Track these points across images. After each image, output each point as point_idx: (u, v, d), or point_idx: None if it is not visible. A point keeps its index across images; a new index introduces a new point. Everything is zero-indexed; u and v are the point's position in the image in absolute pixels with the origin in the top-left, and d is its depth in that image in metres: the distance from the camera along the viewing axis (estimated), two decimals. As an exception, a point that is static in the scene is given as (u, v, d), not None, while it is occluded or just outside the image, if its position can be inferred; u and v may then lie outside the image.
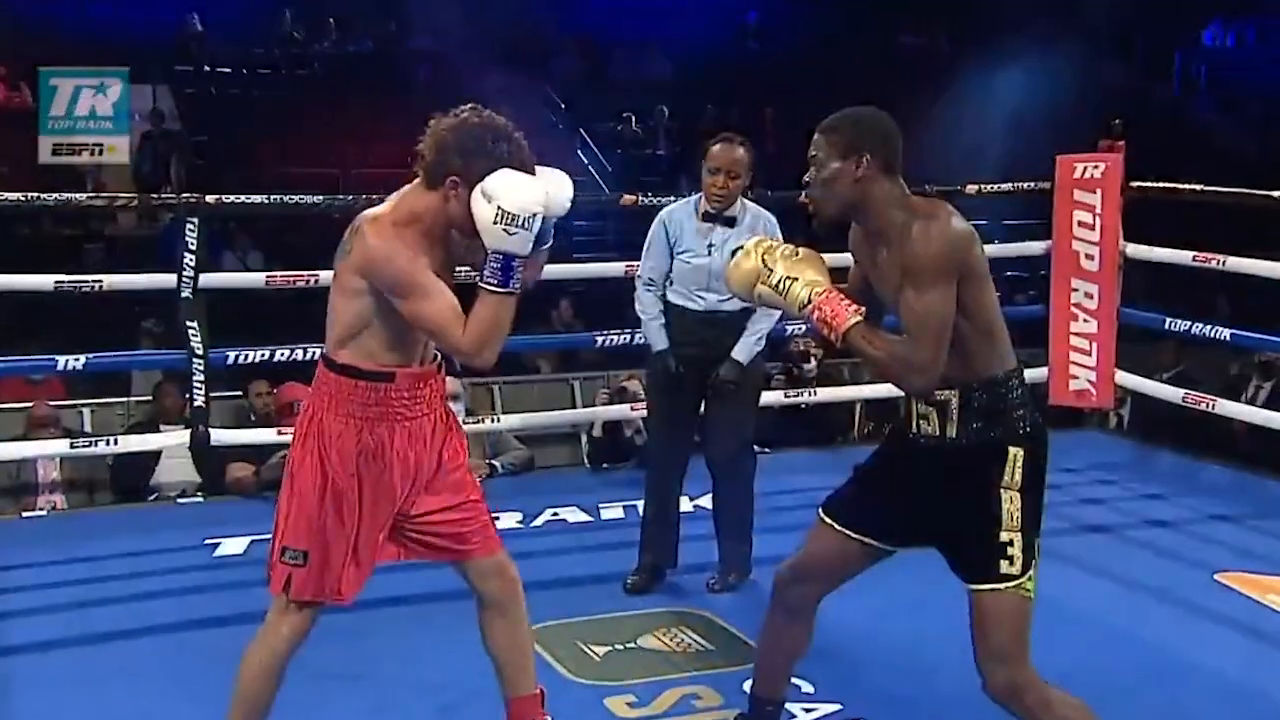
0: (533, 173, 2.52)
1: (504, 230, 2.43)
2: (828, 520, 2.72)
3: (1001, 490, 2.52)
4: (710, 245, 3.96)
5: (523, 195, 2.44)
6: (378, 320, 2.56)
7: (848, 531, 2.69)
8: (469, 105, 2.59)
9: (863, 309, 2.50)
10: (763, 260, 2.56)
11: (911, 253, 2.45)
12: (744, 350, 4.01)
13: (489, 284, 2.48)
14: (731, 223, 3.97)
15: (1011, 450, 2.54)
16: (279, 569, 2.66)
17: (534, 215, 2.45)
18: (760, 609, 3.74)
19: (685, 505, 4.48)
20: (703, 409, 4.08)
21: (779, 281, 2.53)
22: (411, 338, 2.60)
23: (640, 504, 4.23)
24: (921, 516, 2.61)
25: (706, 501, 4.50)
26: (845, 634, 3.68)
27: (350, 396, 2.59)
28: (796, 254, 2.57)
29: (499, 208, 2.42)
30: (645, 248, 4.12)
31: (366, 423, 2.59)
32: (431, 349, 2.67)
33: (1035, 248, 6.04)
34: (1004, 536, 2.51)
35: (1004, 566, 2.51)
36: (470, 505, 2.74)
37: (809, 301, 2.50)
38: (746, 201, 4.05)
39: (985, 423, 2.54)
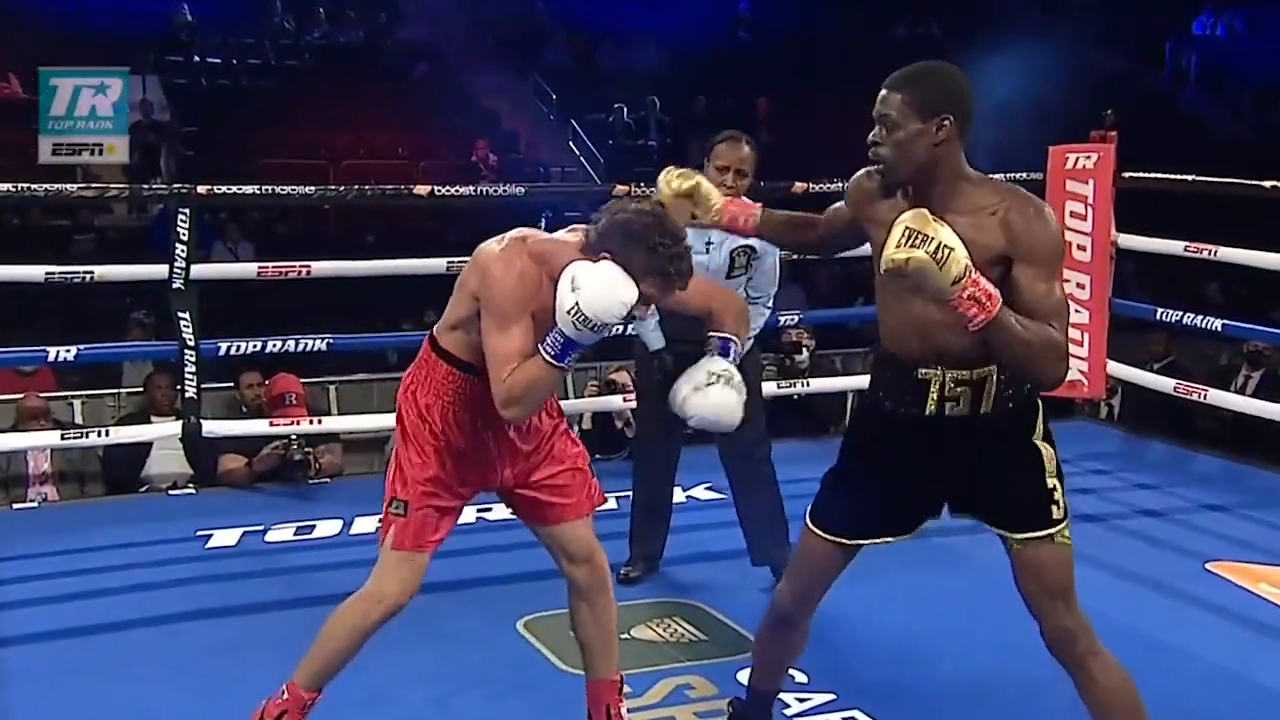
0: (684, 286, 2.55)
1: (574, 323, 2.43)
2: (823, 535, 2.63)
3: (1037, 442, 2.55)
4: (709, 243, 3.93)
5: (605, 303, 2.41)
6: (478, 324, 2.61)
7: (846, 541, 2.63)
8: (655, 202, 2.63)
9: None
10: (917, 226, 2.26)
11: (1035, 238, 2.38)
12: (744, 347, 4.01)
13: (543, 349, 2.50)
14: None
15: (1039, 404, 2.57)
16: (385, 519, 2.75)
17: (606, 325, 2.46)
18: (752, 598, 3.76)
19: (679, 496, 4.50)
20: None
21: (938, 249, 2.23)
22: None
23: (630, 495, 4.22)
24: (945, 491, 2.58)
25: (699, 493, 4.52)
26: (839, 624, 3.68)
27: (443, 379, 2.71)
28: (942, 220, 2.29)
29: (578, 304, 2.41)
30: None
31: (453, 405, 2.70)
32: None
33: (1027, 238, 6.03)
34: (1049, 483, 2.54)
35: (1054, 512, 2.53)
36: (568, 474, 2.84)
37: (964, 275, 2.24)
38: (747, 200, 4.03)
39: (1014, 391, 2.51)
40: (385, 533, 2.75)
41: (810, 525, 2.66)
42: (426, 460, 2.72)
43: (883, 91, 2.47)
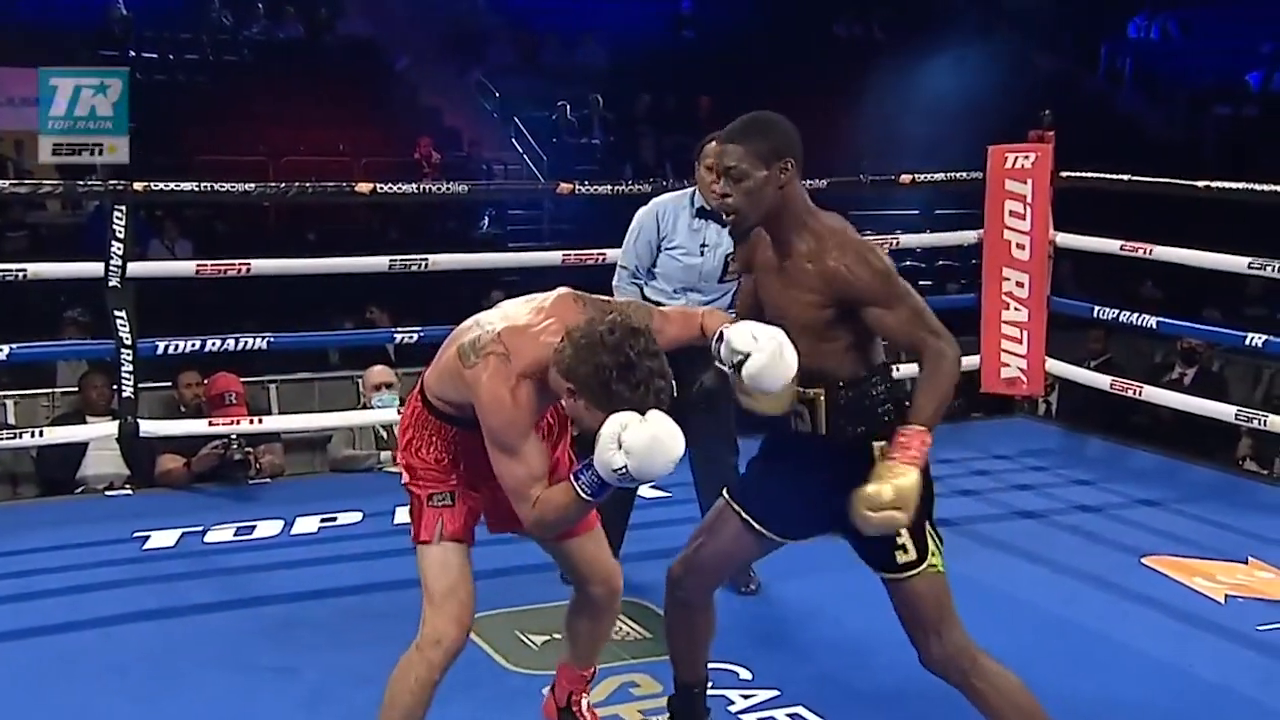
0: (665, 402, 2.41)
1: (618, 478, 2.35)
2: (737, 508, 2.71)
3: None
4: (704, 245, 3.89)
5: (654, 467, 2.32)
6: (469, 413, 2.56)
7: (753, 522, 2.69)
8: (624, 328, 2.38)
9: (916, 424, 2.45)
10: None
11: (863, 283, 2.49)
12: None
13: (578, 485, 2.41)
14: None
15: (876, 446, 2.55)
16: (428, 515, 2.67)
17: (648, 483, 2.44)
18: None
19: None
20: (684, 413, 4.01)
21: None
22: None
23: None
24: (815, 509, 2.63)
25: (645, 491, 4.51)
26: (782, 621, 3.71)
27: (441, 428, 2.67)
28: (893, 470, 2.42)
29: (626, 468, 2.32)
30: (631, 237, 3.98)
31: (458, 440, 2.65)
32: None
33: (967, 237, 6.11)
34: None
35: (899, 557, 2.56)
36: None
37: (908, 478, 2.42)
38: None
39: (850, 420, 2.58)
40: (432, 527, 2.67)
41: (728, 498, 2.74)
42: (445, 483, 2.68)
43: (726, 145, 2.59)
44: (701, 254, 3.89)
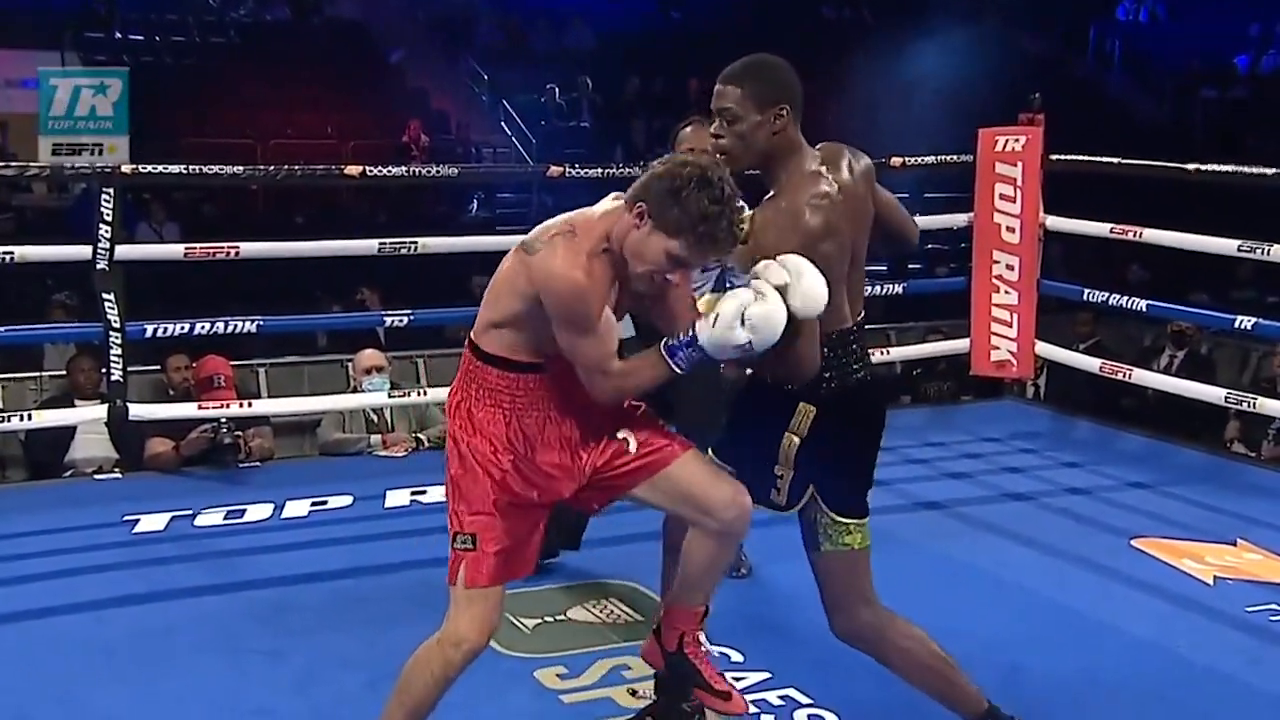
0: (725, 250, 2.39)
1: (732, 350, 2.35)
2: (719, 462, 2.69)
3: (786, 434, 2.58)
4: None
5: (775, 338, 2.34)
6: (533, 322, 2.44)
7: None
8: (699, 162, 2.37)
9: None
10: None
11: (764, 233, 2.47)
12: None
13: (669, 356, 2.40)
14: None
15: (803, 405, 2.57)
16: (453, 556, 2.51)
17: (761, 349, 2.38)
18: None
19: None
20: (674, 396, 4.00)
21: None
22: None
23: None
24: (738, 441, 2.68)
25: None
26: (773, 604, 3.71)
27: (498, 385, 2.50)
28: None
29: (751, 342, 2.32)
30: None
31: (515, 412, 2.49)
32: None
33: (958, 220, 6.11)
34: (778, 470, 2.59)
35: (774, 496, 2.61)
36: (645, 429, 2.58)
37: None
38: None
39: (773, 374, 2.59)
40: (455, 570, 2.50)
41: (711, 455, 2.72)
42: (492, 482, 2.48)
43: (719, 86, 2.57)
44: None
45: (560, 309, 2.38)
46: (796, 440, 2.59)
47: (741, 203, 2.33)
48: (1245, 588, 3.90)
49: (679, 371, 2.42)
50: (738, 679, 3.24)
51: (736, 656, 3.32)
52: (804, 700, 3.13)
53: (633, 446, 2.54)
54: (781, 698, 3.16)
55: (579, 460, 2.54)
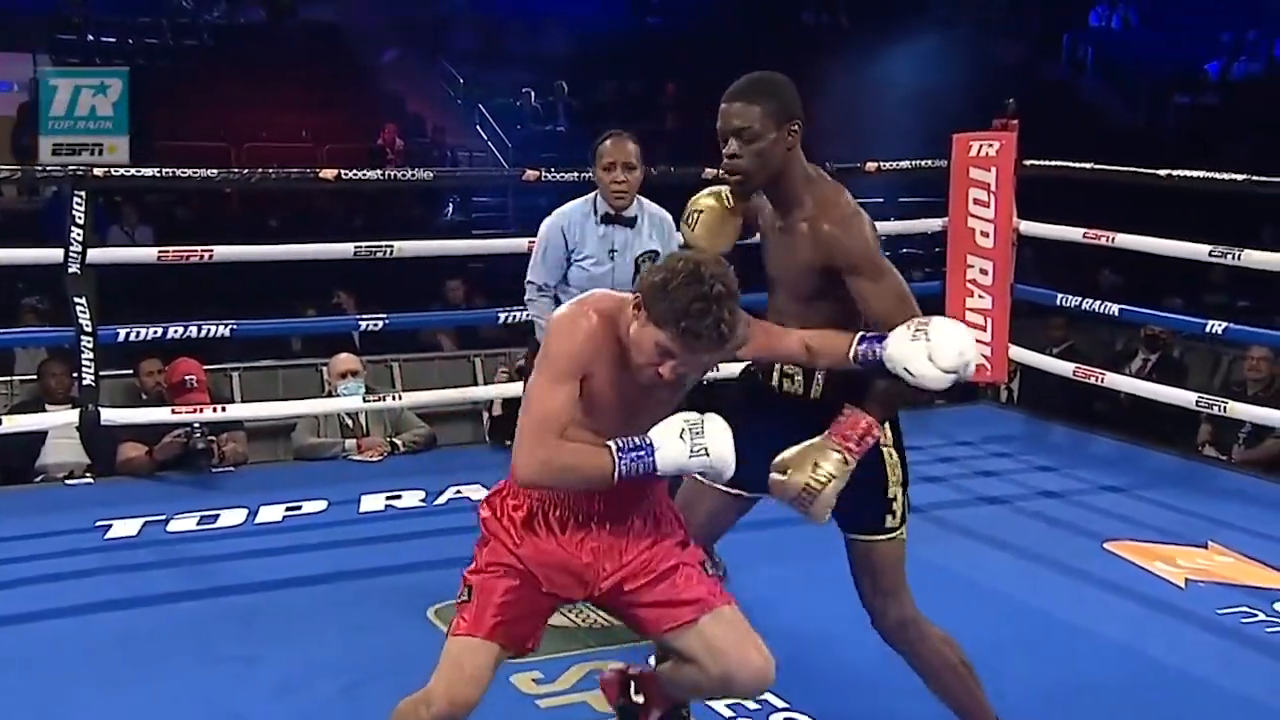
0: (715, 347, 2.25)
1: (691, 470, 2.27)
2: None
3: (882, 448, 2.59)
4: (613, 251, 3.86)
5: (726, 452, 2.25)
6: None
7: (729, 489, 2.68)
8: (703, 257, 2.29)
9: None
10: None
11: (848, 251, 2.50)
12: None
13: (621, 459, 2.24)
14: (632, 223, 3.88)
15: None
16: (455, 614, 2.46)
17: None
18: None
19: None
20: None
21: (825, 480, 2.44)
22: (612, 397, 2.35)
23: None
24: None
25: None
26: (747, 607, 3.71)
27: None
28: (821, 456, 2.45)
29: (705, 470, 2.26)
30: (539, 253, 3.95)
31: (541, 505, 2.41)
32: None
33: (932, 225, 6.13)
34: (891, 492, 2.62)
35: (889, 520, 2.63)
36: (669, 573, 2.44)
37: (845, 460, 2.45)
38: (641, 199, 3.96)
39: (841, 389, 2.57)
40: (450, 624, 2.46)
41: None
42: (505, 550, 2.41)
43: (736, 105, 2.56)
44: (612, 259, 3.85)
45: (546, 341, 2.36)
46: (895, 454, 2.61)
47: (734, 303, 2.23)
48: (1216, 590, 3.93)
49: (620, 474, 2.25)
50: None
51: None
52: (778, 703, 3.13)
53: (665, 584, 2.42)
54: (756, 701, 3.15)
55: (600, 573, 2.43)
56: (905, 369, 2.42)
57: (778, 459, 2.48)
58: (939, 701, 2.78)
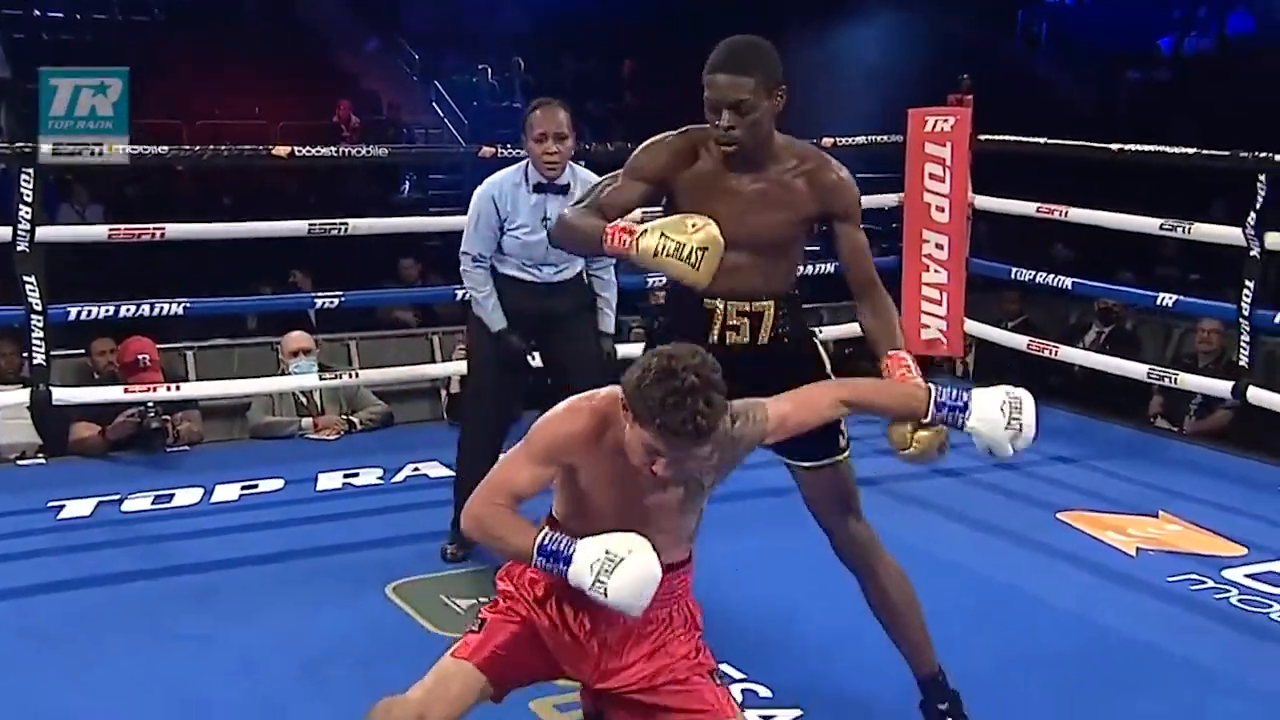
0: (696, 441, 2.16)
1: (584, 586, 2.17)
2: None
3: (828, 373, 2.78)
4: (545, 219, 3.85)
5: (626, 600, 2.17)
6: (567, 487, 2.34)
7: None
8: (687, 348, 2.20)
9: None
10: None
11: (848, 197, 2.72)
12: (610, 323, 4.06)
13: (539, 549, 2.19)
14: (564, 190, 3.88)
15: (817, 343, 2.85)
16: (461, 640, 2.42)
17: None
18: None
19: None
20: (559, 375, 4.02)
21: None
22: (593, 514, 2.30)
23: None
24: None
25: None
26: (704, 584, 3.73)
27: None
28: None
29: (606, 595, 2.15)
30: (472, 223, 3.94)
31: (558, 585, 2.31)
32: (655, 533, 2.28)
33: (888, 200, 6.16)
34: None
35: (841, 441, 2.78)
36: (680, 683, 2.36)
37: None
38: (573, 165, 3.97)
39: (791, 327, 2.76)
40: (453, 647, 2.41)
41: None
42: (523, 618, 2.36)
43: (730, 77, 2.59)
44: (544, 228, 3.84)
45: (535, 423, 2.33)
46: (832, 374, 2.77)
47: (711, 393, 2.15)
48: (1166, 558, 3.99)
49: (532, 561, 2.21)
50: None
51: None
52: (736, 675, 3.14)
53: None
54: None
55: (601, 668, 2.37)
56: (988, 448, 2.49)
57: (889, 435, 2.60)
58: (891, 646, 2.83)
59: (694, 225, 2.51)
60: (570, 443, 2.27)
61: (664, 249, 2.50)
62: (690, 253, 2.50)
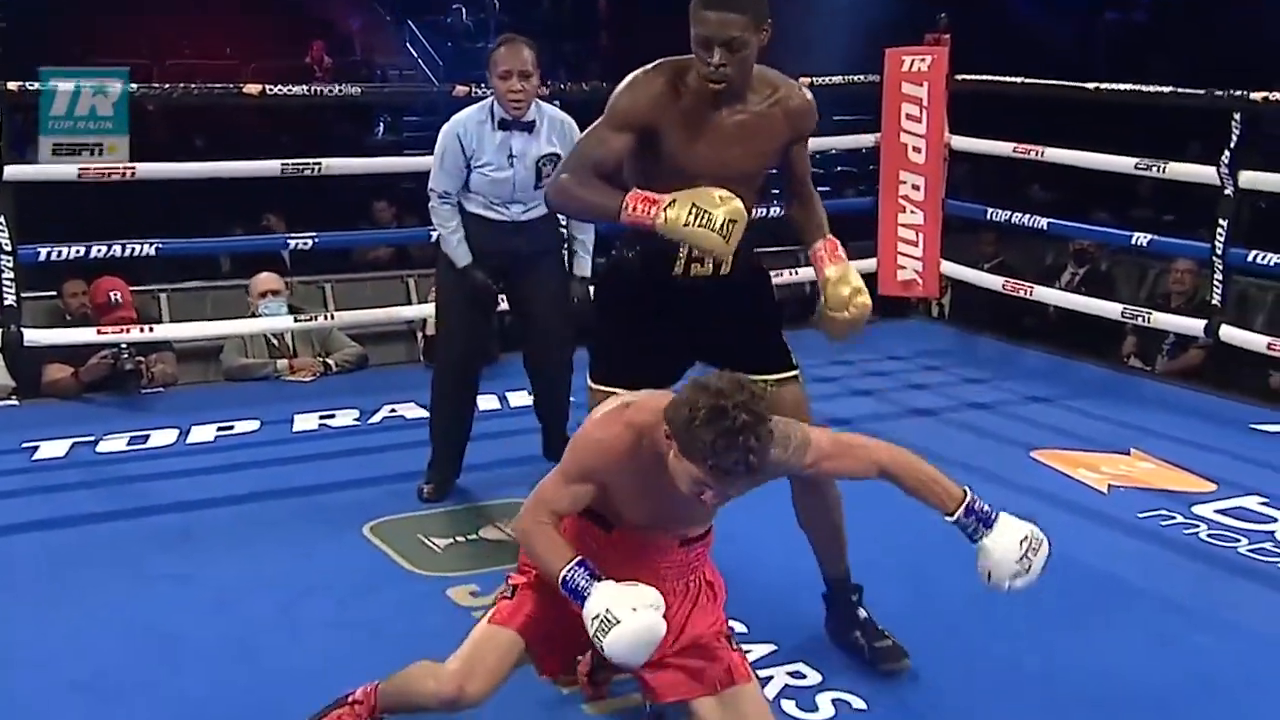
0: (743, 475, 2.20)
1: (589, 632, 2.22)
2: (605, 389, 2.71)
3: (776, 301, 2.96)
4: (511, 156, 3.84)
5: (624, 655, 2.22)
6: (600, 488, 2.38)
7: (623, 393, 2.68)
8: (733, 380, 2.21)
9: None
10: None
11: (809, 119, 2.80)
12: (586, 266, 4.04)
13: (565, 576, 2.26)
14: (530, 128, 3.86)
15: (769, 272, 2.98)
16: (493, 607, 2.47)
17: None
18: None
19: (515, 400, 4.65)
20: (523, 315, 4.05)
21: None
22: (644, 504, 2.36)
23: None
24: (696, 343, 2.84)
25: (524, 398, 4.52)
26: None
27: (578, 532, 2.43)
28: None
29: (603, 647, 2.20)
30: (438, 161, 3.92)
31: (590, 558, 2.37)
32: (685, 528, 2.43)
33: (865, 141, 6.14)
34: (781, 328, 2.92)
35: (793, 358, 2.88)
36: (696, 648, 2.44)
37: None
38: (540, 102, 3.95)
39: (749, 255, 2.83)
40: (488, 613, 2.47)
41: (592, 384, 2.83)
42: (552, 589, 2.37)
43: (721, 14, 2.56)
44: (511, 165, 3.84)
45: (573, 440, 2.40)
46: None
47: (762, 428, 2.18)
48: (1137, 495, 4.03)
49: (557, 585, 2.27)
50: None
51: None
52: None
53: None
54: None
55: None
56: (989, 574, 2.49)
57: (828, 300, 2.77)
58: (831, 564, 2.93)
59: (721, 197, 2.55)
60: (606, 460, 2.32)
61: (694, 220, 2.53)
62: (722, 224, 2.52)
